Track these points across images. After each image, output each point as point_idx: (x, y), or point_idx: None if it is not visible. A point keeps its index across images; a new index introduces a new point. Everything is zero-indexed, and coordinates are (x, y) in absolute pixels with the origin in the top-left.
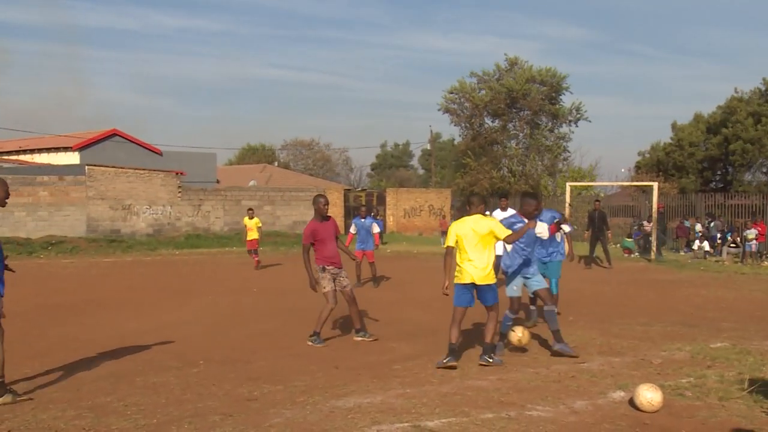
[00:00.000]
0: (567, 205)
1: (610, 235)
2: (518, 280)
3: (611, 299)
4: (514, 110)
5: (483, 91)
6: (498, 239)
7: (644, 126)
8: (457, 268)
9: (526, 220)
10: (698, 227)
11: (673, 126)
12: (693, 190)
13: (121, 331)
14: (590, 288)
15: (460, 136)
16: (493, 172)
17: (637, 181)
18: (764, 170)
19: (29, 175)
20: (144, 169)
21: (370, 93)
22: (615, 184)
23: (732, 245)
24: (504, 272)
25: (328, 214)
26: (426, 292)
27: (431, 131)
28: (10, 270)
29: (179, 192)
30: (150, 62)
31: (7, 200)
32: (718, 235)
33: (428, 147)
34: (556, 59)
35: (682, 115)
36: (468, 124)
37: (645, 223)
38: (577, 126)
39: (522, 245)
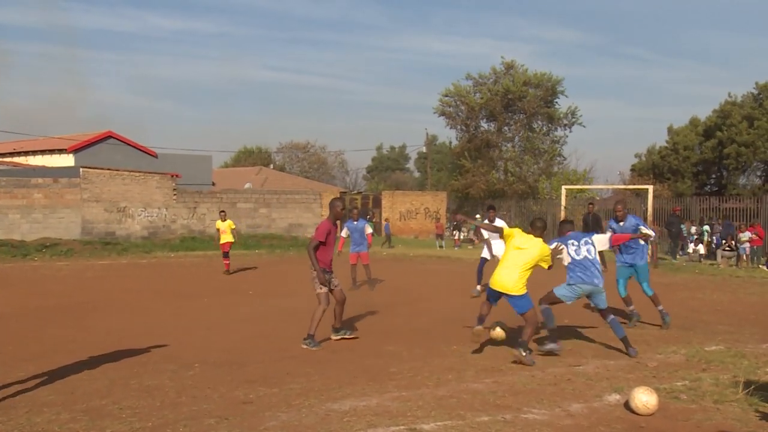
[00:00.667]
0: (562, 207)
1: None
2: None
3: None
4: (510, 113)
5: (479, 94)
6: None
7: (640, 129)
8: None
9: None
10: (693, 230)
11: (669, 129)
12: (688, 194)
13: (116, 334)
14: None
15: (456, 138)
16: (488, 174)
17: (632, 184)
18: (758, 173)
19: (24, 177)
20: (139, 172)
21: (366, 95)
22: (610, 187)
23: (727, 248)
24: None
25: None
26: (421, 295)
27: (427, 134)
28: None
29: (174, 194)
30: (146, 64)
31: None
32: (717, 238)
33: (424, 150)
34: (552, 62)
35: (678, 119)
36: (464, 127)
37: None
38: (571, 131)
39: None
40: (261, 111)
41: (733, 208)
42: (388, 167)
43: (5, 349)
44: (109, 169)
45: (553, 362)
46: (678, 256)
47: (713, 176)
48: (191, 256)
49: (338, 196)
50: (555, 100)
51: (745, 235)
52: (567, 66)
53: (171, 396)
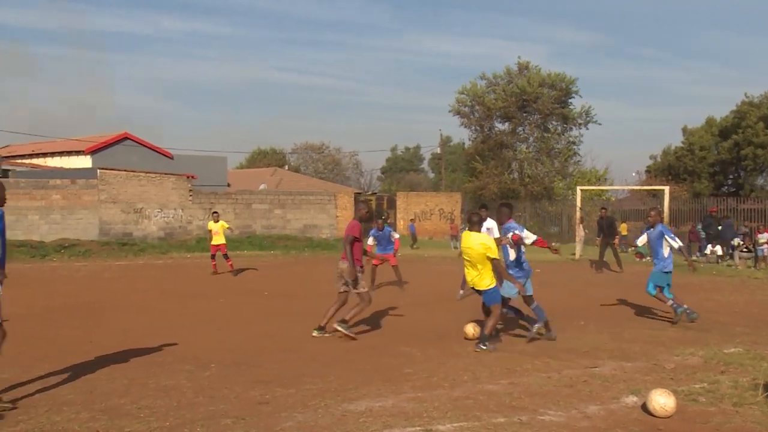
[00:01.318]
0: (578, 208)
1: (617, 241)
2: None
3: (622, 303)
4: (525, 113)
5: (493, 95)
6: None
7: (654, 130)
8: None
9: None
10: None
11: (684, 130)
12: (705, 194)
13: (133, 334)
14: (601, 292)
15: (469, 139)
16: (502, 175)
17: (647, 185)
18: None
19: (42, 178)
20: (155, 173)
21: (379, 96)
22: (626, 188)
23: (744, 250)
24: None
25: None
26: (435, 296)
27: (441, 135)
28: None
29: (190, 195)
30: (162, 66)
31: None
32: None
33: (438, 150)
34: (564, 63)
35: (693, 119)
36: (478, 127)
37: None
38: (587, 129)
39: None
40: (275, 112)
41: (751, 209)
42: (402, 168)
43: (24, 349)
44: (125, 171)
45: (568, 364)
46: (695, 257)
47: (730, 177)
48: (207, 256)
49: (362, 198)
50: (569, 100)
51: (764, 237)
52: (579, 67)
53: (188, 396)
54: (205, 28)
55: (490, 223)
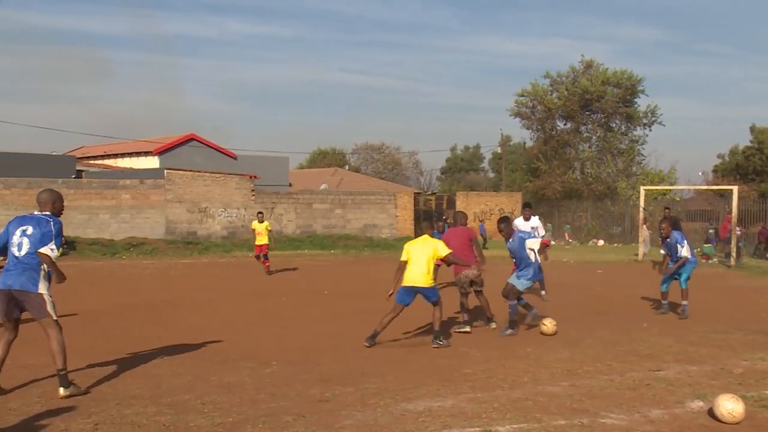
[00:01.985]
0: (641, 209)
1: None
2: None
3: (688, 306)
4: (588, 113)
5: (555, 94)
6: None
7: (721, 128)
8: None
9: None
10: None
11: (752, 129)
12: None
13: (197, 331)
14: None
15: (531, 139)
16: (565, 175)
17: (714, 185)
18: None
19: (113, 179)
20: (219, 173)
21: (440, 96)
22: (691, 188)
23: None
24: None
25: (461, 224)
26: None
27: (501, 134)
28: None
29: (253, 195)
30: (227, 69)
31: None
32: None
33: (499, 150)
34: (629, 61)
35: (762, 117)
36: (540, 127)
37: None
38: (651, 129)
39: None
40: (336, 113)
41: None
42: (462, 168)
43: (96, 344)
44: (191, 171)
45: (631, 366)
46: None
47: None
48: (269, 255)
49: (421, 197)
50: (634, 99)
51: None
52: (644, 65)
53: (250, 392)
54: (273, 31)
55: (534, 221)
